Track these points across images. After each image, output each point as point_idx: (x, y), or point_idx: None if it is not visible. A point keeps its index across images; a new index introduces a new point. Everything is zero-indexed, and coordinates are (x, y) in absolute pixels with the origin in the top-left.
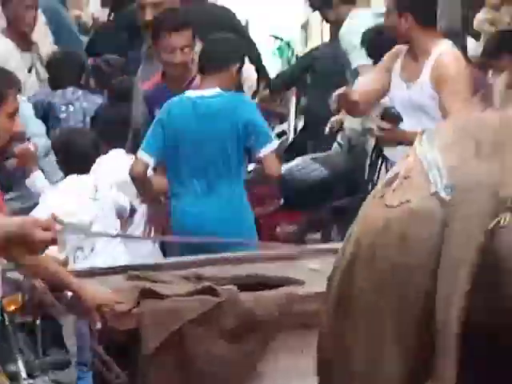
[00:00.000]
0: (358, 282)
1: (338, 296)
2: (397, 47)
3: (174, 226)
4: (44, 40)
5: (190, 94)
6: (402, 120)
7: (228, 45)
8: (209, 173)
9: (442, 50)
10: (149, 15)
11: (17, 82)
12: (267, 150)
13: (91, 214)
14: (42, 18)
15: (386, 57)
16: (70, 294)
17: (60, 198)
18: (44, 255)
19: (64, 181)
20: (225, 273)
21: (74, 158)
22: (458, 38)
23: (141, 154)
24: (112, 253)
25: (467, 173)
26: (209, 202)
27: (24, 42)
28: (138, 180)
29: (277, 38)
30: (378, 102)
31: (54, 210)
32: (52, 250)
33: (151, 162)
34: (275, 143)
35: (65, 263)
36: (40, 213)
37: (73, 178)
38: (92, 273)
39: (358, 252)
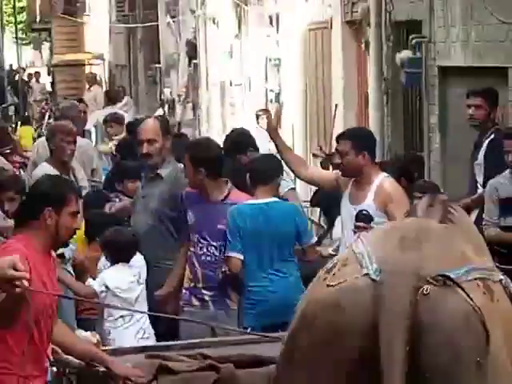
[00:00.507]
0: (302, 342)
1: (288, 352)
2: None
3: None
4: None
5: (253, 202)
6: (372, 219)
7: (273, 161)
8: (276, 261)
9: (381, 180)
10: (145, 149)
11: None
12: (310, 244)
13: (136, 292)
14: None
15: (342, 180)
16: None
17: (115, 278)
18: (74, 336)
19: (117, 266)
20: (224, 353)
21: (120, 251)
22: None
23: (232, 253)
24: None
25: (393, 259)
26: (279, 283)
27: (64, 168)
28: (236, 273)
29: None
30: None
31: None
32: (87, 334)
33: (241, 257)
34: (314, 238)
35: (97, 344)
36: (97, 287)
37: (123, 264)
38: (116, 352)
39: (303, 321)
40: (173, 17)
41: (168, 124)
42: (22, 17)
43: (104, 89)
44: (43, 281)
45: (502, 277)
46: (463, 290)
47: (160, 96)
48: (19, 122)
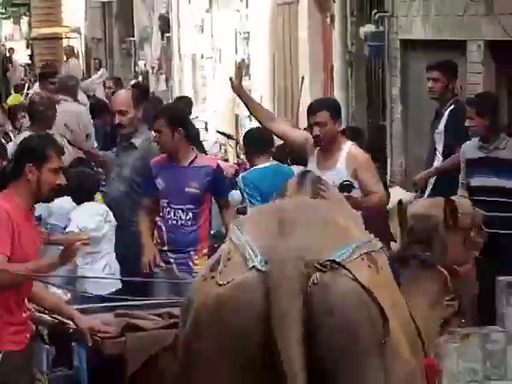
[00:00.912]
0: (201, 341)
1: (185, 349)
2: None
3: None
4: None
5: (259, 167)
6: (353, 187)
7: (265, 133)
8: None
9: (349, 147)
10: (117, 120)
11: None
12: None
13: (104, 230)
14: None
15: (309, 145)
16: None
17: (83, 218)
18: (45, 290)
19: (83, 205)
20: None
21: (85, 191)
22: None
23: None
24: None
25: (276, 247)
26: None
27: None
28: None
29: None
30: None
31: (81, 226)
32: (59, 292)
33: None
34: None
35: (68, 302)
36: (71, 228)
37: (90, 204)
38: (86, 311)
39: (198, 328)
40: None
41: (145, 93)
42: None
43: (81, 61)
44: (27, 235)
45: (380, 244)
46: (349, 271)
47: (134, 68)
48: (11, 91)
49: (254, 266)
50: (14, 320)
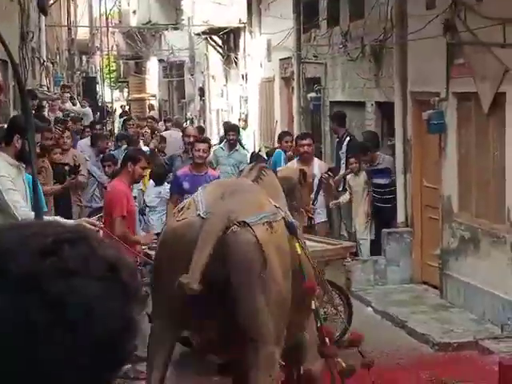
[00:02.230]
0: (162, 255)
1: (155, 262)
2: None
3: None
4: None
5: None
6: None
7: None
8: None
9: (315, 159)
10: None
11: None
12: None
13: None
14: None
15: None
16: None
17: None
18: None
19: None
20: None
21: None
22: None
23: None
24: None
25: (215, 206)
26: None
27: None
28: None
29: None
30: None
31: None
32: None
33: None
34: None
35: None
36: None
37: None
38: None
39: (164, 240)
40: (191, 74)
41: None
42: (113, 75)
43: (157, 111)
44: (130, 206)
45: (283, 215)
46: (252, 229)
47: (185, 116)
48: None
49: (199, 214)
50: None
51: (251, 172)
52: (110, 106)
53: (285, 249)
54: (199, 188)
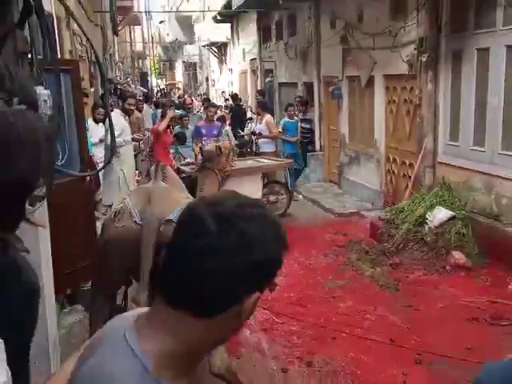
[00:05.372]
0: (108, 251)
1: (101, 254)
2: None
3: None
4: None
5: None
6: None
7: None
8: None
9: (267, 116)
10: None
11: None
12: None
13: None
14: None
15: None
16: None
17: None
18: None
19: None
20: None
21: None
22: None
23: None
24: None
25: (146, 211)
26: None
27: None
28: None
29: None
30: None
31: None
32: None
33: None
34: None
35: None
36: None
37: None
38: None
39: (109, 240)
40: (201, 69)
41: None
42: (157, 70)
43: (181, 91)
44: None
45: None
46: (174, 223)
47: (198, 93)
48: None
49: (135, 221)
50: None
51: (157, 174)
52: (164, 88)
53: None
54: (126, 194)
